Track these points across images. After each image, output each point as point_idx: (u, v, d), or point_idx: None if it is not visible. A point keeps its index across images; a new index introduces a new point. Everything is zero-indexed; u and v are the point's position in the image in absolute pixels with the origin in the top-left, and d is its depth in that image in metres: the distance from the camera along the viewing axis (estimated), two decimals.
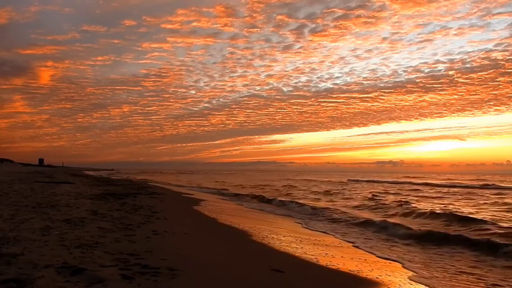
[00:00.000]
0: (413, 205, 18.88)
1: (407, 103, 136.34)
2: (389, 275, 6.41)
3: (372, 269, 6.77)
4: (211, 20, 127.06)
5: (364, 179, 61.58)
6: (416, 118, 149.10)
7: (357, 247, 9.23)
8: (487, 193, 28.99)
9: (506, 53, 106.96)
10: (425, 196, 26.31)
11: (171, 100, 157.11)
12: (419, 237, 10.88)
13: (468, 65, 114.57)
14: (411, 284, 6.04)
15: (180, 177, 66.01)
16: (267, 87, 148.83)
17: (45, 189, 17.66)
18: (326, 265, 6.83)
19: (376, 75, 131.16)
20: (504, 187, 36.99)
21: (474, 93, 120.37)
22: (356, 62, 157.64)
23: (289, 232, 10.74)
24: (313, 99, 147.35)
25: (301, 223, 13.46)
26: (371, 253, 8.56)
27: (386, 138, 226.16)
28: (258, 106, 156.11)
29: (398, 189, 35.15)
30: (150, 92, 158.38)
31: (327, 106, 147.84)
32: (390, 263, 7.60)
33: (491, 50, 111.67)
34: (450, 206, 19.33)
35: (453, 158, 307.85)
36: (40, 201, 12.10)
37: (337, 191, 30.92)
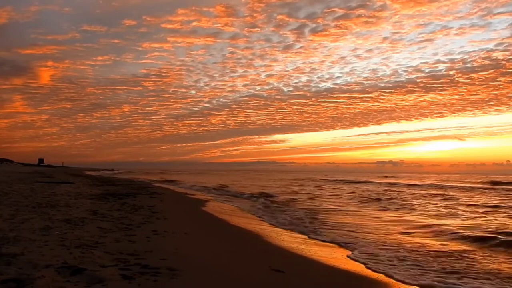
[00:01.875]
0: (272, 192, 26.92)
1: (407, 103, 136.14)
2: None
3: None
4: (212, 20, 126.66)
5: (339, 179, 59.09)
6: (417, 118, 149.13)
7: None
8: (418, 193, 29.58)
9: (507, 53, 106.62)
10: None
11: (171, 100, 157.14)
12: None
13: (468, 65, 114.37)
14: None
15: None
16: (267, 87, 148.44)
17: (45, 189, 17.67)
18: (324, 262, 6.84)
19: (377, 75, 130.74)
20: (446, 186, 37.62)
21: (475, 93, 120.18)
22: (356, 62, 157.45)
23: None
24: (313, 99, 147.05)
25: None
26: None
27: (386, 138, 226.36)
28: (258, 106, 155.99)
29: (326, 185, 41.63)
30: (150, 92, 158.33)
31: (327, 106, 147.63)
32: None
33: (491, 50, 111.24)
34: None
35: (453, 158, 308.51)
36: (40, 201, 12.09)
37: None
